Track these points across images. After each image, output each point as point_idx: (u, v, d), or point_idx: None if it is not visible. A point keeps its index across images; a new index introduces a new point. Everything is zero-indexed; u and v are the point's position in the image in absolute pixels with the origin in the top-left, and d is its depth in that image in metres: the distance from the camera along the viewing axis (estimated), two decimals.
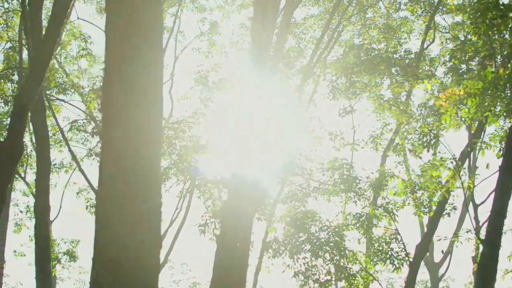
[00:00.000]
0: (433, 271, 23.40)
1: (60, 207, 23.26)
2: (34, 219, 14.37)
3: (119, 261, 4.64)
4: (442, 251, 15.35)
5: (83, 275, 23.80)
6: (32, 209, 21.94)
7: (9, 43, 19.49)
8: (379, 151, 18.74)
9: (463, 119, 11.88)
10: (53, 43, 10.54)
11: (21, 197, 23.29)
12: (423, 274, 24.99)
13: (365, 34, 20.31)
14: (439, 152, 16.03)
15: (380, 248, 15.92)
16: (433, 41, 18.37)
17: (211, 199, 22.80)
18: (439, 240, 14.97)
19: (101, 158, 4.95)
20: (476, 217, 19.85)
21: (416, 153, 17.72)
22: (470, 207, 20.21)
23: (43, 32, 11.60)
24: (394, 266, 15.71)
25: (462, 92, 10.52)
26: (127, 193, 4.72)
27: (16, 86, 20.41)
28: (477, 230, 17.59)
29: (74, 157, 20.85)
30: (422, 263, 19.96)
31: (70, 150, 20.29)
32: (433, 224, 15.29)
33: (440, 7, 18.87)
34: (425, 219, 22.79)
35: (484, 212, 19.94)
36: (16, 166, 10.91)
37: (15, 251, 23.51)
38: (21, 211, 22.80)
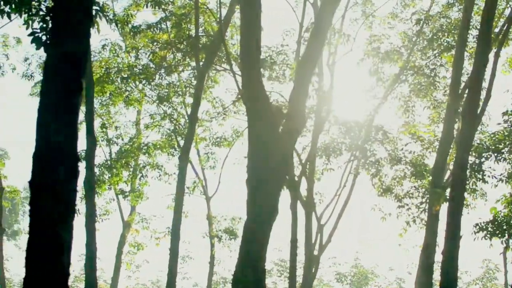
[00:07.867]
0: None
1: (219, 182, 22.55)
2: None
3: None
4: None
5: None
6: None
7: (182, 10, 18.62)
8: None
9: None
10: None
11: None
12: None
13: None
14: None
15: None
16: None
17: (377, 177, 21.51)
18: None
19: None
20: None
21: None
22: None
23: None
24: None
25: None
26: None
27: (181, 56, 19.67)
28: None
29: (235, 131, 20.07)
30: None
31: None
32: None
33: None
34: None
35: None
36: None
37: None
38: None
